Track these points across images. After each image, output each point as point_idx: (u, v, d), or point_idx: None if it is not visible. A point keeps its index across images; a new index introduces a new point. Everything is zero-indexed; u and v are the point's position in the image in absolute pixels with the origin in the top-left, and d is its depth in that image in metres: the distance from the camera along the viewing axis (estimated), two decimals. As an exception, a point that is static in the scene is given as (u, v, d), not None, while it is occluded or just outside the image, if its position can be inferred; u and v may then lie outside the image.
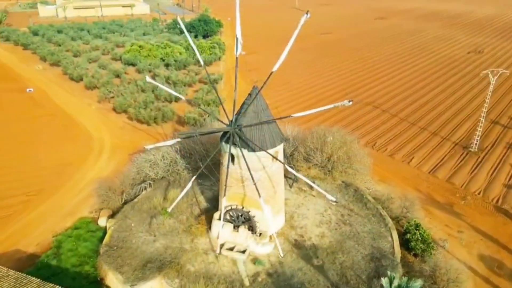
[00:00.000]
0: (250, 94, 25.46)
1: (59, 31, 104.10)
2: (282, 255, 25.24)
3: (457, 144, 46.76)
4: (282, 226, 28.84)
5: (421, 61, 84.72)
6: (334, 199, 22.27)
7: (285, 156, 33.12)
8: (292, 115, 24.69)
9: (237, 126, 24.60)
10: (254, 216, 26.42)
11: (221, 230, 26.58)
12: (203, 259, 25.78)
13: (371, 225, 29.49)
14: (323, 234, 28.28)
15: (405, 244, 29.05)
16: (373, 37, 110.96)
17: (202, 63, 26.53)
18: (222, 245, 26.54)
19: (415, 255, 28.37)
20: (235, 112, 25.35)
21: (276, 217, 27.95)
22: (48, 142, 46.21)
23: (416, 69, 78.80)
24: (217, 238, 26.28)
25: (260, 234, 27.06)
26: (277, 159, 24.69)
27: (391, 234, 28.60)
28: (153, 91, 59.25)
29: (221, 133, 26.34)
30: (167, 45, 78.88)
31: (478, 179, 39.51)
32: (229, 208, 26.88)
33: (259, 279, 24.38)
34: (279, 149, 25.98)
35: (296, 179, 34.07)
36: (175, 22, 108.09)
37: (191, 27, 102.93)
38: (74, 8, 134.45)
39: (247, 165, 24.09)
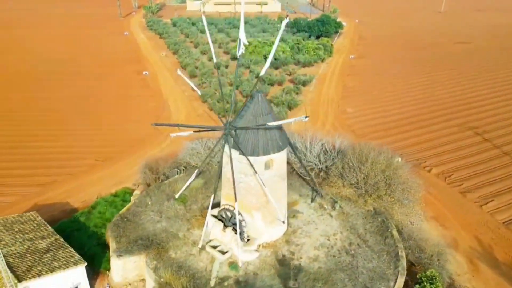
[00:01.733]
0: (251, 97, 24.94)
1: (193, 24, 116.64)
2: (240, 265, 24.37)
3: None
4: (277, 239, 27.53)
5: None
6: (282, 219, 20.35)
7: (302, 166, 31.38)
8: (267, 123, 23.35)
9: (231, 127, 24.47)
10: (242, 221, 26.00)
11: (212, 227, 27.14)
12: (187, 250, 26.65)
13: (377, 263, 25.78)
14: (317, 258, 25.99)
15: (415, 296, 24.72)
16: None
17: (214, 60, 26.86)
18: (209, 241, 27.00)
19: (424, 312, 23.86)
20: (232, 112, 25.21)
21: (270, 227, 26.88)
22: (136, 119, 53.16)
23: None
24: (204, 233, 26.79)
25: (248, 240, 26.54)
26: (253, 168, 23.67)
27: (396, 279, 24.53)
28: (238, 86, 62.04)
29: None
30: (272, 43, 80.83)
31: None
32: (223, 207, 27.05)
33: (226, 283, 24.05)
34: (274, 157, 24.83)
35: (320, 194, 31.93)
36: (295, 22, 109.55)
37: (307, 27, 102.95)
38: (215, 4, 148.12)
39: (231, 166, 23.89)
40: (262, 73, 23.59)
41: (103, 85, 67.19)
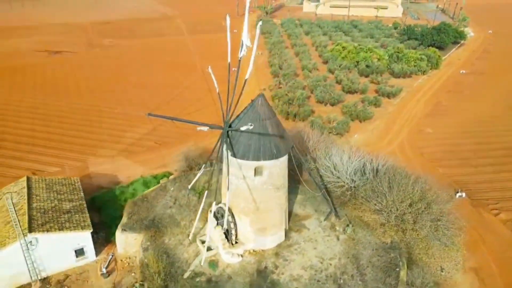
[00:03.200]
0: (252, 101, 24.58)
1: (301, 25, 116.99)
2: (202, 264, 24.08)
3: None
4: (268, 248, 26.54)
5: None
6: (226, 227, 19.33)
7: (313, 181, 29.40)
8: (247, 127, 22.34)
9: (229, 127, 24.49)
10: (231, 222, 25.88)
11: (209, 222, 27.71)
12: (180, 239, 27.72)
13: (364, 302, 22.90)
14: (298, 278, 24.33)
15: None
16: None
17: (229, 60, 26.94)
18: (202, 235, 27.58)
19: None
20: (230, 113, 25.08)
21: (259, 234, 26.10)
22: (200, 109, 56.06)
23: None
24: (194, 227, 27.47)
25: (236, 242, 26.29)
26: (228, 168, 23.13)
27: (376, 325, 21.48)
28: (312, 91, 60.52)
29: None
30: (369, 49, 76.23)
31: None
32: (220, 206, 27.26)
33: (198, 279, 24.38)
34: (266, 165, 23.99)
35: (334, 213, 29.56)
36: (407, 28, 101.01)
37: (420, 35, 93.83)
38: (330, 7, 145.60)
39: (224, 165, 23.97)
40: (247, 76, 23.04)
41: (194, 76, 72.92)
